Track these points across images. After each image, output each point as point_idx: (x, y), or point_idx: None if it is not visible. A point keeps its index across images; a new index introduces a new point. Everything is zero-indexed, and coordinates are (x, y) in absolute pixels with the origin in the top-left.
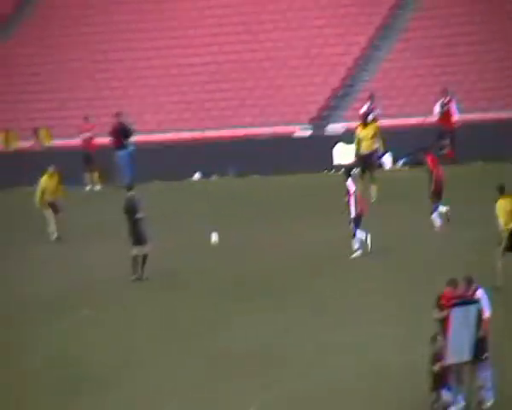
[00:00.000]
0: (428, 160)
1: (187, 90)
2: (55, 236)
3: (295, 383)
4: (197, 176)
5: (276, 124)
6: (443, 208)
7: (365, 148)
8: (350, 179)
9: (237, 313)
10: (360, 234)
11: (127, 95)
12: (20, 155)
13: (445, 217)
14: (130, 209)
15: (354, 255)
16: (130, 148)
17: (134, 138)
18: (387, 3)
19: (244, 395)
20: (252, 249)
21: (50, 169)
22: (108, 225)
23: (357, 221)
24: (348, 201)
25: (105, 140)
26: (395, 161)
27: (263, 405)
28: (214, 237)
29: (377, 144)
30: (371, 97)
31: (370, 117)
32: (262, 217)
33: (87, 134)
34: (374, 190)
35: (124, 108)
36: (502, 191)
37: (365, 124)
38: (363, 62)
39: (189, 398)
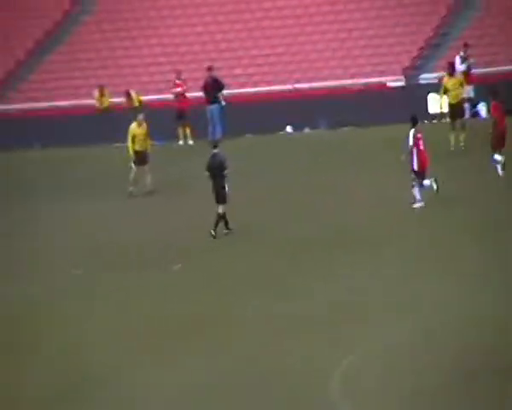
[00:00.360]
0: (492, 108)
1: (277, 43)
2: (130, 189)
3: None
4: (289, 129)
5: (369, 75)
6: (499, 157)
7: (453, 97)
8: (411, 132)
9: (338, 263)
10: (425, 185)
11: (218, 49)
12: (113, 111)
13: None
14: (215, 166)
15: (416, 205)
16: (222, 102)
17: (226, 92)
18: None
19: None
20: (339, 199)
21: (140, 117)
22: (196, 180)
23: (419, 175)
24: (411, 153)
25: (197, 95)
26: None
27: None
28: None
29: (465, 94)
30: (465, 46)
31: (464, 66)
32: (353, 167)
33: (179, 89)
34: (462, 137)
35: (215, 63)
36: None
37: (451, 74)
38: (456, 10)
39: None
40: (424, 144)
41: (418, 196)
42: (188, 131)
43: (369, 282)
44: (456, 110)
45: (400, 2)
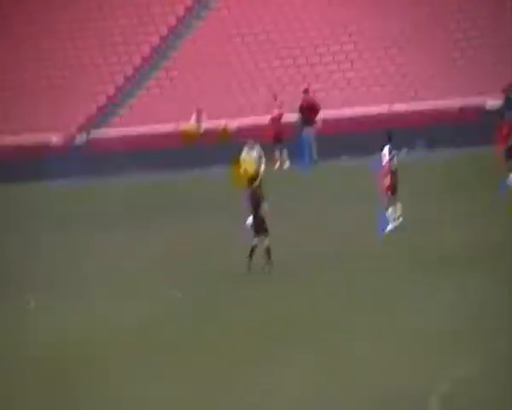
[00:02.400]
0: None
1: (374, 65)
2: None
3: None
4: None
5: (466, 95)
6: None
7: None
8: (384, 151)
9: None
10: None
11: (314, 72)
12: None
13: None
14: (254, 200)
15: (388, 228)
16: (318, 124)
17: (321, 114)
18: None
19: None
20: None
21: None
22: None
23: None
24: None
25: (293, 117)
26: None
27: None
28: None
29: None
30: None
31: None
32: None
33: (275, 113)
34: None
35: (311, 85)
36: None
37: None
38: None
39: None
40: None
41: (398, 212)
42: (284, 153)
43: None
44: None
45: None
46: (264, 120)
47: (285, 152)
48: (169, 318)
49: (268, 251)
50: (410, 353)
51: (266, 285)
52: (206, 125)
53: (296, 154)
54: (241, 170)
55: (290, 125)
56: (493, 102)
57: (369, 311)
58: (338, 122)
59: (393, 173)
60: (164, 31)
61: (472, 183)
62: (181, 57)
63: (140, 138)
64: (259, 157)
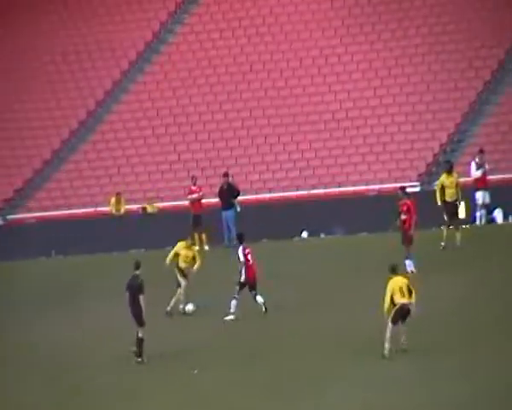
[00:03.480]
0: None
1: (293, 150)
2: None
3: None
4: (305, 234)
5: (384, 181)
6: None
7: (449, 196)
8: (240, 247)
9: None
10: (259, 300)
11: (233, 155)
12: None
13: None
14: (134, 288)
15: (227, 318)
16: (238, 208)
17: (241, 198)
18: (496, 57)
19: None
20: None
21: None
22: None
23: (242, 286)
24: (242, 267)
25: (212, 201)
26: (506, 215)
27: None
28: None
29: (481, 200)
30: (480, 152)
31: (480, 172)
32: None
33: (195, 196)
34: (458, 237)
35: (231, 169)
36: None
37: (450, 172)
38: (472, 117)
39: None
40: (252, 258)
41: (233, 309)
42: (203, 236)
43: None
44: (450, 208)
45: (415, 109)
46: (184, 202)
47: (204, 235)
48: None
49: (140, 343)
50: None
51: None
52: (126, 208)
53: (216, 236)
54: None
55: (210, 207)
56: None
57: None
58: (258, 205)
59: None
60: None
61: None
62: (98, 141)
63: (57, 221)
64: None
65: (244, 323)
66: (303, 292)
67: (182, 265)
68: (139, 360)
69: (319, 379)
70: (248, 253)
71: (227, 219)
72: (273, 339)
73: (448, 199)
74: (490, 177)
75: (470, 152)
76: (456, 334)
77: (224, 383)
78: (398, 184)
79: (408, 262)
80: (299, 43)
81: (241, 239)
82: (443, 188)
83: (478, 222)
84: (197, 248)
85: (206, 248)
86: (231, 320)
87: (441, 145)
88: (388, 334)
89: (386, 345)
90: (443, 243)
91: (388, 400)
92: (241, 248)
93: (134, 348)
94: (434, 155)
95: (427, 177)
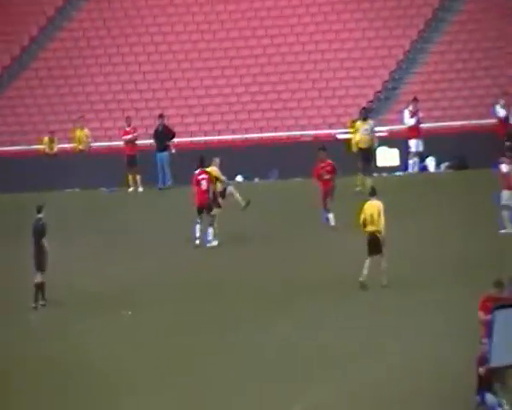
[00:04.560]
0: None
1: (229, 93)
2: None
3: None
4: (239, 179)
5: (319, 127)
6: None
7: (364, 142)
8: (196, 171)
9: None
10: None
11: (169, 97)
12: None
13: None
14: (37, 231)
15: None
16: (172, 150)
17: (176, 141)
18: (430, 6)
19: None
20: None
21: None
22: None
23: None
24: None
25: (147, 142)
26: (438, 164)
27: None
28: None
29: (414, 148)
30: (414, 101)
31: (413, 120)
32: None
33: (129, 136)
34: (369, 182)
35: (166, 111)
36: (373, 193)
37: (365, 119)
38: (406, 65)
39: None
40: (207, 184)
41: (198, 234)
42: (137, 177)
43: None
44: (365, 155)
45: (350, 55)
46: (119, 143)
47: (139, 176)
48: None
49: (39, 287)
50: None
51: None
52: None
53: (150, 177)
54: None
55: (144, 149)
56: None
57: None
58: (193, 148)
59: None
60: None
61: None
62: (30, 78)
63: None
64: None
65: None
66: (244, 228)
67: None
68: (34, 305)
69: (278, 312)
70: (202, 179)
71: (161, 161)
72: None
73: (362, 146)
74: (423, 125)
75: (404, 100)
76: (424, 272)
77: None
78: (333, 131)
79: (330, 216)
80: None
81: (201, 163)
82: (358, 135)
83: (410, 170)
84: (131, 189)
85: (141, 189)
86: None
87: (375, 93)
88: (366, 264)
89: (364, 272)
90: (358, 189)
91: (369, 330)
92: (196, 172)
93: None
94: (369, 102)
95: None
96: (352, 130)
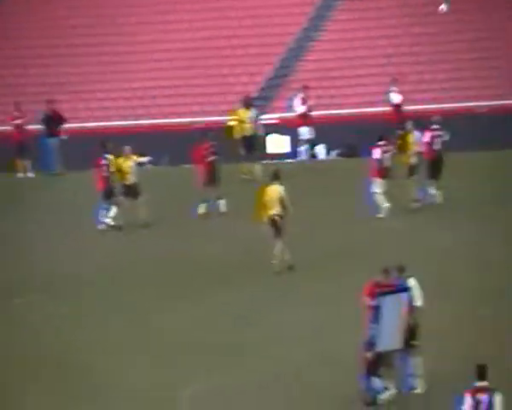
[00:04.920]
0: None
1: (120, 78)
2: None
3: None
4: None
5: (210, 114)
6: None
7: (247, 130)
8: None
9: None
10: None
11: (59, 82)
12: None
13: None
14: None
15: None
16: (62, 136)
17: (66, 126)
18: None
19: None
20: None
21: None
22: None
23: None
24: None
25: (37, 127)
26: (328, 151)
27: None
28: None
29: (305, 135)
30: (305, 88)
31: (304, 108)
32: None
33: (18, 121)
34: (258, 170)
35: (56, 96)
36: (275, 178)
37: (248, 107)
38: (296, 52)
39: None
40: (109, 170)
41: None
42: (27, 163)
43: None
44: (249, 142)
45: (240, 42)
46: (7, 128)
47: (29, 162)
48: None
49: None
50: None
51: None
52: None
53: (41, 163)
54: None
55: (34, 134)
56: None
57: None
58: (83, 134)
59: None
60: None
61: None
62: None
63: None
64: None
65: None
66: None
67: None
68: None
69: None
70: (104, 164)
71: (52, 146)
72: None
73: (246, 133)
74: (313, 113)
75: (294, 87)
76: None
77: None
78: (224, 118)
79: (222, 202)
80: None
81: (104, 147)
82: (241, 123)
83: (301, 157)
84: (21, 174)
85: (31, 175)
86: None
87: (267, 79)
88: (274, 250)
89: (274, 261)
90: (245, 176)
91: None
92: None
93: None
94: (260, 90)
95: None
96: (234, 117)
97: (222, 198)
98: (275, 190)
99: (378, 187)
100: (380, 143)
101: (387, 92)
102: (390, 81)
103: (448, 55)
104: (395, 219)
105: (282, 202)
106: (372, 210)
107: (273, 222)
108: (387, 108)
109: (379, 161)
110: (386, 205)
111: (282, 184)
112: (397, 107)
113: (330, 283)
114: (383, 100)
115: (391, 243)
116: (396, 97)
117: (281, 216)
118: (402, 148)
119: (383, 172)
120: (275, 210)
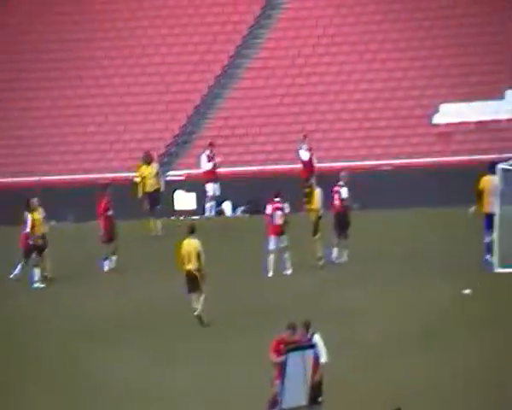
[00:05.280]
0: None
1: (25, 135)
2: None
3: None
4: None
5: (118, 170)
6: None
7: (150, 186)
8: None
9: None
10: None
11: None
12: None
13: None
14: None
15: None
16: None
17: None
18: (226, 52)
19: None
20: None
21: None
22: None
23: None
24: None
25: None
26: (235, 208)
27: None
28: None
29: (211, 192)
30: (211, 145)
31: (210, 165)
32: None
33: None
34: (159, 225)
35: None
36: (191, 232)
37: (149, 163)
38: (203, 110)
39: None
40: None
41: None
42: None
43: None
44: (152, 198)
45: (149, 99)
46: None
47: None
48: None
49: None
50: None
51: None
52: None
53: None
54: None
55: None
56: None
57: None
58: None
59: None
60: None
61: None
62: None
63: None
64: None
65: None
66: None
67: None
68: None
69: None
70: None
71: None
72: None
73: (149, 190)
74: (220, 170)
75: (201, 144)
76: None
77: None
78: (131, 174)
79: (114, 258)
80: None
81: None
82: (143, 179)
83: (208, 213)
84: None
85: None
86: None
87: (174, 136)
88: (192, 303)
89: (194, 306)
90: (154, 233)
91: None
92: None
93: None
94: (167, 146)
95: (161, 167)
96: (137, 174)
97: (115, 254)
98: (191, 245)
99: (271, 244)
100: (274, 199)
101: (297, 149)
102: (300, 139)
103: (355, 113)
104: (301, 276)
105: (198, 256)
106: (272, 267)
107: (190, 276)
108: (296, 165)
109: (270, 217)
110: (279, 263)
111: (197, 238)
112: (306, 163)
113: (236, 340)
114: (295, 156)
115: (297, 300)
116: (305, 154)
117: (198, 270)
118: (307, 204)
119: (275, 229)
120: (191, 264)
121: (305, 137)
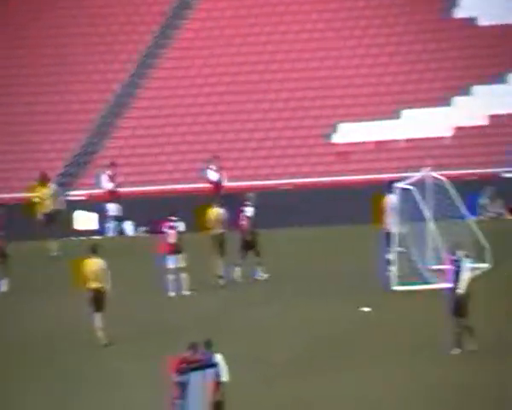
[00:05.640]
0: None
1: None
2: None
3: None
4: None
5: (16, 190)
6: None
7: (46, 206)
8: None
9: None
10: None
11: None
12: None
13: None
14: None
15: None
16: None
17: None
18: (126, 72)
19: None
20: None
21: None
22: None
23: None
24: None
25: None
26: (136, 227)
27: None
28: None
29: (112, 212)
30: (112, 165)
31: (111, 185)
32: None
33: None
34: (55, 245)
35: None
36: (93, 251)
37: (44, 184)
38: (103, 129)
39: None
40: None
41: None
42: None
43: None
44: (49, 219)
45: (50, 118)
46: None
47: None
48: None
49: None
50: None
51: None
52: None
53: None
54: None
55: None
56: None
57: None
58: None
59: None
60: None
61: None
62: None
63: None
64: None
65: None
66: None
67: None
68: None
69: None
70: None
71: None
72: None
73: (45, 210)
74: (121, 189)
75: (102, 164)
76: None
77: None
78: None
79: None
80: None
81: None
82: (40, 199)
83: (109, 233)
84: None
85: None
86: None
87: (74, 156)
88: (95, 323)
89: (98, 334)
90: (52, 254)
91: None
92: None
93: None
94: (65, 167)
95: (60, 186)
96: (35, 195)
97: (5, 277)
98: (95, 264)
99: (169, 263)
100: (169, 218)
101: (203, 169)
102: (208, 159)
103: (269, 132)
104: (203, 296)
105: (102, 275)
106: (172, 286)
107: (96, 295)
108: (200, 185)
109: (165, 236)
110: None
111: (100, 257)
112: (214, 184)
113: (137, 361)
114: (201, 176)
115: (199, 320)
116: (213, 175)
117: (100, 289)
118: (207, 224)
119: (169, 248)
120: (95, 283)
121: (214, 157)
